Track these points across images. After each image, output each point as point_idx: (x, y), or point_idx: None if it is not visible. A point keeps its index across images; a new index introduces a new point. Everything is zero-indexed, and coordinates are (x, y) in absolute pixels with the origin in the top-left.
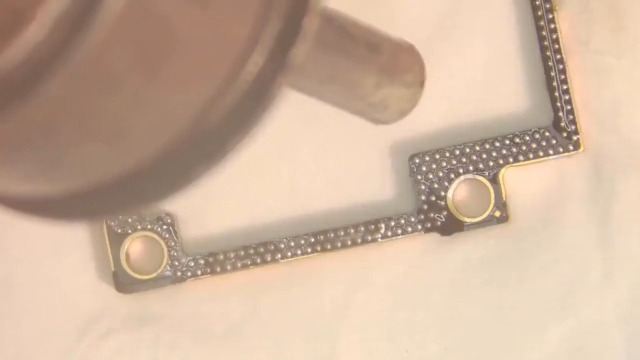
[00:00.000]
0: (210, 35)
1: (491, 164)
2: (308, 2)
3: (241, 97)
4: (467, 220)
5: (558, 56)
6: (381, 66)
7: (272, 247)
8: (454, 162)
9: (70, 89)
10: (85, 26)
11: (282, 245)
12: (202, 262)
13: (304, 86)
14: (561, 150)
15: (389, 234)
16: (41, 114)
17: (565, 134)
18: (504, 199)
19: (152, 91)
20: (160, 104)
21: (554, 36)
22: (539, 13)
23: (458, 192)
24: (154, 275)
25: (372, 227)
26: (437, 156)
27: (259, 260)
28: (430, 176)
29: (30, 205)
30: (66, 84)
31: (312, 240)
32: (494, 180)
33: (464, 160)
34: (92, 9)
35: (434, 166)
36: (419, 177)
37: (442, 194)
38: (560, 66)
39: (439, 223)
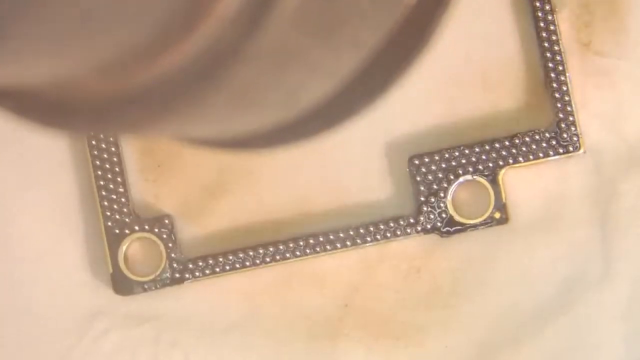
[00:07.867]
0: None
1: (491, 165)
2: None
3: (400, 29)
4: (467, 221)
5: (558, 57)
6: None
7: (272, 249)
8: (454, 163)
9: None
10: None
11: (282, 247)
12: (200, 263)
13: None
14: (561, 151)
15: (389, 235)
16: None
17: (565, 135)
18: (504, 201)
19: (327, 57)
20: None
21: (554, 37)
22: (539, 14)
23: (457, 193)
24: (152, 277)
25: (372, 228)
26: (437, 157)
27: (258, 262)
28: (430, 177)
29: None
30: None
31: (312, 241)
32: (494, 181)
33: (463, 161)
34: None
35: (433, 167)
36: (418, 178)
37: (442, 195)
38: (561, 67)
39: (438, 224)
